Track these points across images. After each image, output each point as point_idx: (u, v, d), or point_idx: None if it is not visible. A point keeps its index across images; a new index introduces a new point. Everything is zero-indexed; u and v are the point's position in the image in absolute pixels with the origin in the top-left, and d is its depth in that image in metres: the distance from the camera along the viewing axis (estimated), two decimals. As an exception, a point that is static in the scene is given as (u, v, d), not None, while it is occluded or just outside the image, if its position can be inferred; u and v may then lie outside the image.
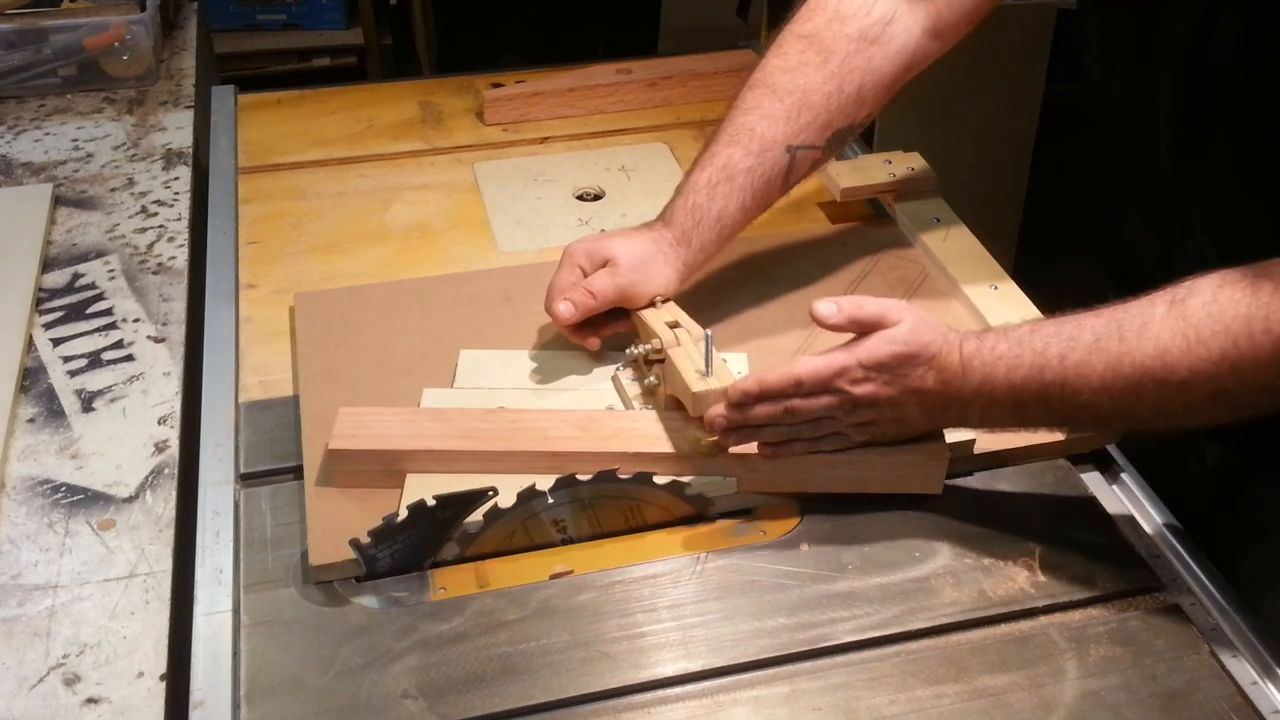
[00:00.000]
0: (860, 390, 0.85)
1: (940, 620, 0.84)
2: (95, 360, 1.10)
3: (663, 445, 0.92)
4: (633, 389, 1.01)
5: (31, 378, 1.08)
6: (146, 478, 0.97)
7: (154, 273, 1.22)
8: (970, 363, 0.83)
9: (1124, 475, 0.98)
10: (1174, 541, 0.92)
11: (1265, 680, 0.81)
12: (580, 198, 1.33)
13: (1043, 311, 1.07)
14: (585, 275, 1.02)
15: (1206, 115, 0.86)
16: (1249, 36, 0.81)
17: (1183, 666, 0.81)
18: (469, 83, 1.56)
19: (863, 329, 0.86)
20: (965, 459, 0.94)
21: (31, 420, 1.03)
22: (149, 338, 1.13)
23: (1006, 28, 2.12)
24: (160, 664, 0.82)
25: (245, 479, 0.96)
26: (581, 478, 0.87)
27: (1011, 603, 0.85)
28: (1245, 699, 0.79)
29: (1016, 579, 0.87)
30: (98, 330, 1.14)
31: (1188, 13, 0.84)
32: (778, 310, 1.12)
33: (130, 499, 0.95)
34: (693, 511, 0.92)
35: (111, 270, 1.22)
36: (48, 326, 1.14)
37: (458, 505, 0.86)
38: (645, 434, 0.93)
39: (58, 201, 1.33)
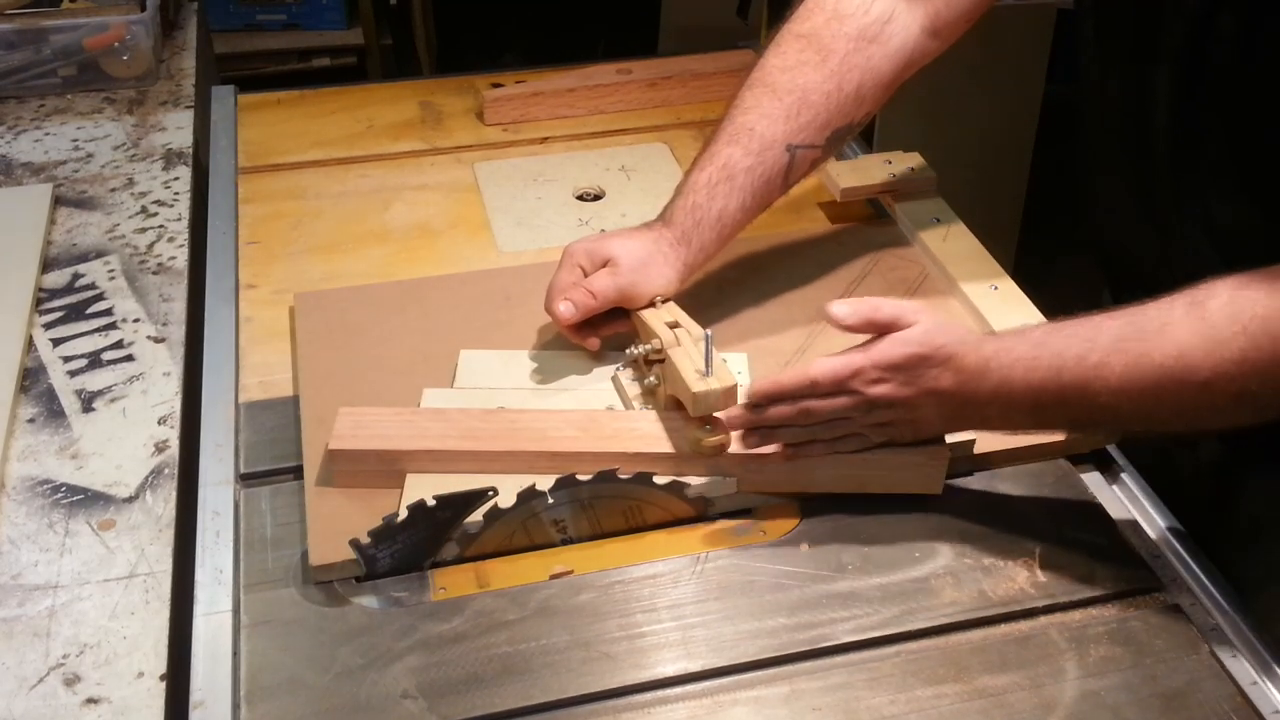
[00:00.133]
0: (875, 391, 0.85)
1: (940, 620, 0.84)
2: (95, 360, 1.10)
3: (663, 445, 0.92)
4: (633, 389, 1.00)
5: (31, 378, 1.08)
6: (146, 478, 0.97)
7: (154, 273, 1.22)
8: (988, 364, 0.83)
9: (1124, 475, 0.98)
10: (1174, 541, 0.92)
11: (1265, 680, 0.81)
12: (580, 198, 1.33)
13: (1042, 311, 1.07)
14: (585, 275, 1.02)
15: (1205, 115, 0.86)
16: (1248, 36, 0.81)
17: (1183, 666, 0.81)
18: (469, 83, 1.56)
19: (878, 330, 0.86)
20: (965, 459, 0.94)
21: (31, 420, 1.03)
22: (149, 338, 1.13)
23: (1006, 28, 2.12)
24: (160, 664, 0.82)
25: (245, 479, 0.96)
26: (581, 478, 0.87)
27: (1011, 603, 0.85)
28: (1245, 699, 0.79)
29: (1016, 579, 0.87)
30: (98, 330, 1.14)
31: (1186, 12, 0.84)
32: (778, 310, 1.12)
33: (130, 499, 0.95)
34: (693, 512, 0.92)
35: (111, 270, 1.22)
36: (48, 326, 1.14)
37: (458, 505, 0.86)
38: (645, 434, 0.93)
39: (58, 201, 1.33)
